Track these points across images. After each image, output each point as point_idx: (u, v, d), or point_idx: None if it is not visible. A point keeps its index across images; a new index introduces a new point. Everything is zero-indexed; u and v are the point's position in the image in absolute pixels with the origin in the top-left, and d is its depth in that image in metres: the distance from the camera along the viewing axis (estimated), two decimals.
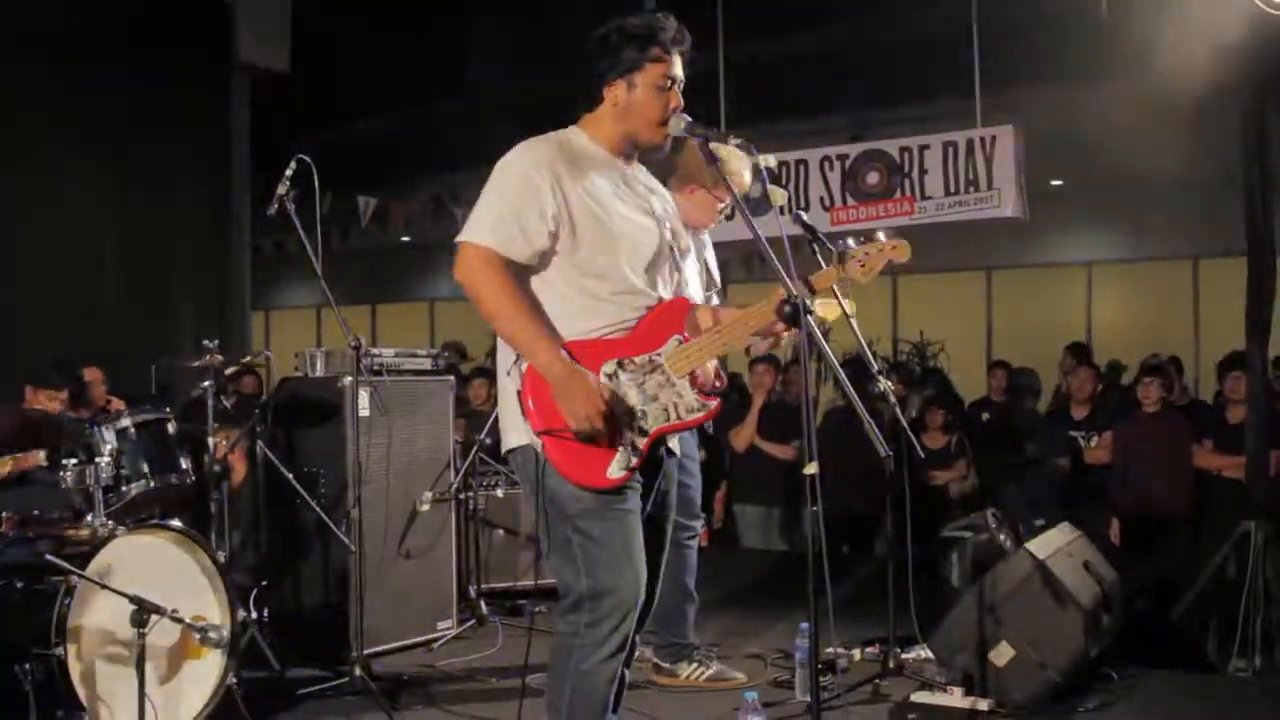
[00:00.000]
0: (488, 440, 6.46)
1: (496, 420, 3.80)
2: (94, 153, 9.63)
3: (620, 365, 3.54)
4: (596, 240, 3.55)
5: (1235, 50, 7.24)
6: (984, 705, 5.12)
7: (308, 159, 5.64)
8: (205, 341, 5.90)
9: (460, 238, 3.53)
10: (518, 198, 3.50)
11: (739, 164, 5.27)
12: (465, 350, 13.59)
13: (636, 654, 5.50)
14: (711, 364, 3.67)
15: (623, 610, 3.50)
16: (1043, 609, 5.14)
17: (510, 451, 3.66)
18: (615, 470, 3.48)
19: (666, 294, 3.71)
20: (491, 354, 3.87)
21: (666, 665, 5.69)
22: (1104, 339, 15.80)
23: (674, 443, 3.76)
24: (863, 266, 3.60)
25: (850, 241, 3.67)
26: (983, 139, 9.95)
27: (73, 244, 9.52)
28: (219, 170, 11.02)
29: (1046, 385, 11.79)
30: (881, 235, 3.65)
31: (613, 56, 3.62)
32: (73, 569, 4.37)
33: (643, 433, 3.52)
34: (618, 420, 3.48)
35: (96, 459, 4.92)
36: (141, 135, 9.94)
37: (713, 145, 3.75)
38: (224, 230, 11.05)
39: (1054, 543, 5.52)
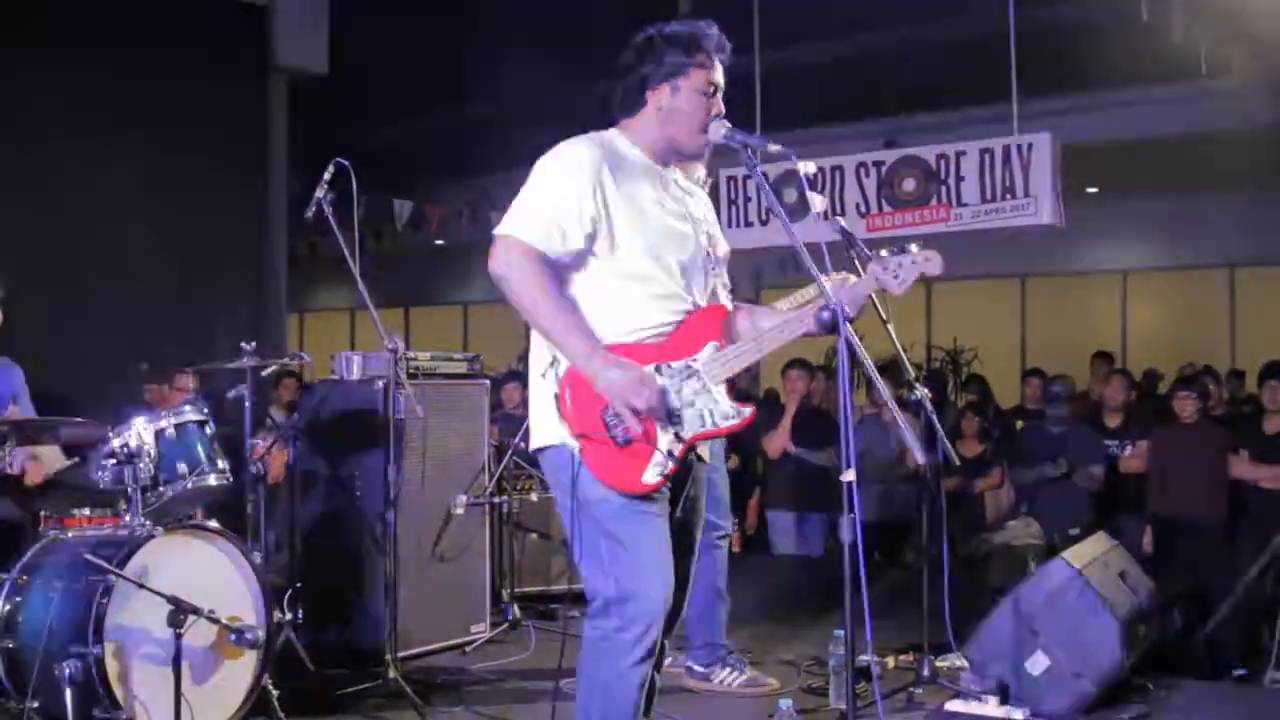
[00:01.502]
0: (521, 444, 6.47)
1: None
2: (132, 155, 9.69)
3: (657, 370, 3.53)
4: (635, 244, 3.55)
5: (1273, 54, 7.19)
6: (1019, 714, 5.09)
7: (346, 163, 5.66)
8: (242, 344, 5.93)
9: (497, 230, 3.53)
10: (557, 195, 3.50)
11: None
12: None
13: (669, 659, 5.53)
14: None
15: (650, 615, 3.48)
16: (1079, 618, 5.11)
17: (539, 450, 3.65)
18: (651, 475, 3.48)
19: (702, 299, 3.71)
20: (524, 357, 3.87)
21: (700, 669, 5.69)
22: (1139, 347, 15.73)
23: (704, 449, 3.75)
24: (897, 279, 3.58)
25: (883, 252, 3.66)
26: (1019, 146, 9.91)
27: (110, 246, 9.59)
28: (256, 172, 11.09)
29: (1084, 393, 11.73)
30: (914, 247, 3.64)
31: (657, 60, 3.63)
32: (111, 568, 4.41)
33: (679, 438, 3.52)
34: (657, 420, 3.48)
35: (135, 459, 4.94)
36: (179, 138, 10.01)
37: (708, 146, 3.74)
38: (261, 232, 11.11)
39: (1090, 552, 5.50)
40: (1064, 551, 5.43)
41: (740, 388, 3.71)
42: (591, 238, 3.52)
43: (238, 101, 10.80)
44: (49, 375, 6.69)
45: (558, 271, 3.53)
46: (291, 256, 12.98)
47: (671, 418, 3.51)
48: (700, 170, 5.28)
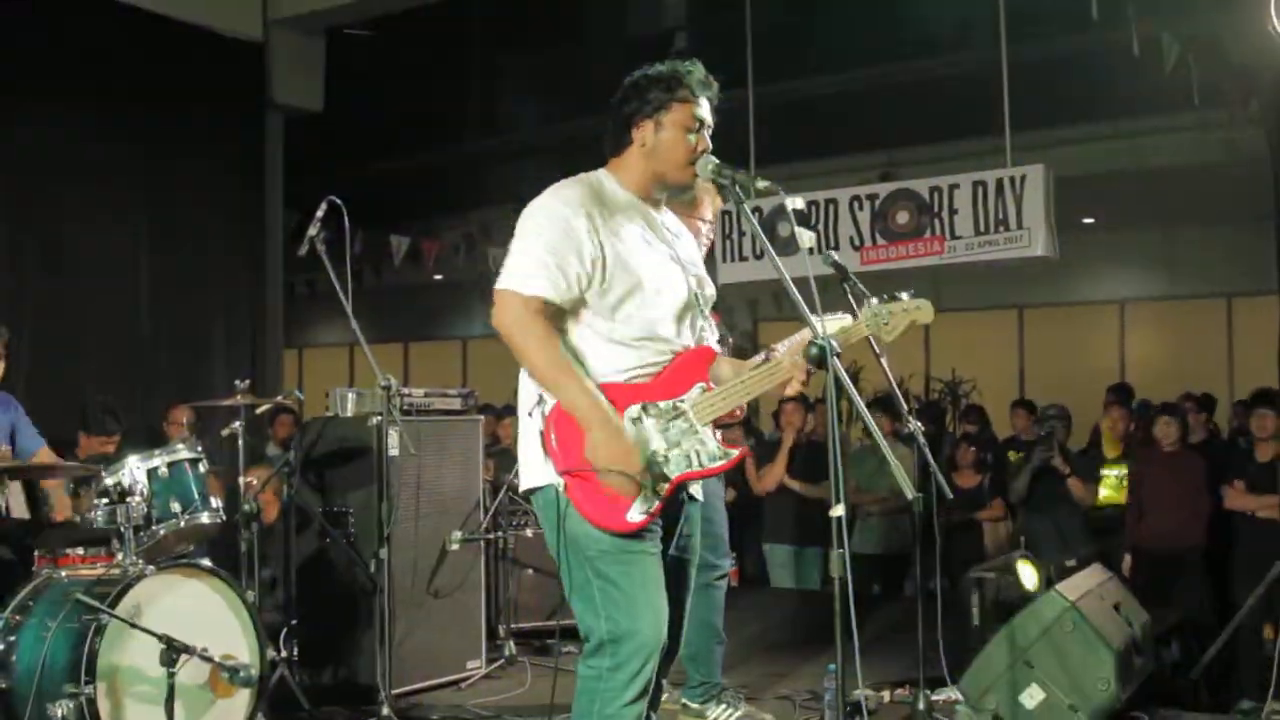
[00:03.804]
0: (516, 480, 6.47)
1: None
2: (128, 191, 9.74)
3: (644, 410, 3.54)
4: (624, 285, 3.56)
5: (1265, 85, 7.23)
6: None
7: (338, 200, 5.68)
8: (236, 381, 5.94)
9: (500, 285, 3.52)
10: (557, 242, 3.50)
11: (701, 185, 5.32)
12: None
13: (665, 695, 5.51)
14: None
15: (644, 654, 3.48)
16: (1074, 651, 5.10)
17: (530, 491, 3.66)
18: (635, 514, 3.48)
19: (690, 341, 3.72)
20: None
21: (695, 706, 5.66)
22: (1137, 378, 15.70)
23: (696, 488, 3.76)
24: (886, 325, 3.62)
25: (874, 300, 3.69)
26: (1012, 178, 9.95)
27: (107, 282, 9.62)
28: (253, 208, 11.13)
29: (1082, 424, 11.71)
30: (905, 295, 3.67)
31: (641, 98, 3.65)
32: (103, 608, 4.41)
33: (664, 479, 3.52)
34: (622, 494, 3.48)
35: (128, 498, 4.95)
36: (175, 173, 10.06)
37: (696, 182, 3.76)
38: (257, 268, 11.14)
39: (1085, 584, 5.49)
40: (1059, 584, 5.41)
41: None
42: (591, 278, 3.53)
43: (233, 138, 10.85)
44: (45, 412, 6.69)
45: (552, 314, 3.54)
46: (290, 293, 13.02)
47: (657, 458, 3.51)
48: (707, 210, 5.31)
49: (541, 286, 3.48)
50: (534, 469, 3.61)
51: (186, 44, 10.19)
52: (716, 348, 3.84)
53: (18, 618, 4.70)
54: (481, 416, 6.99)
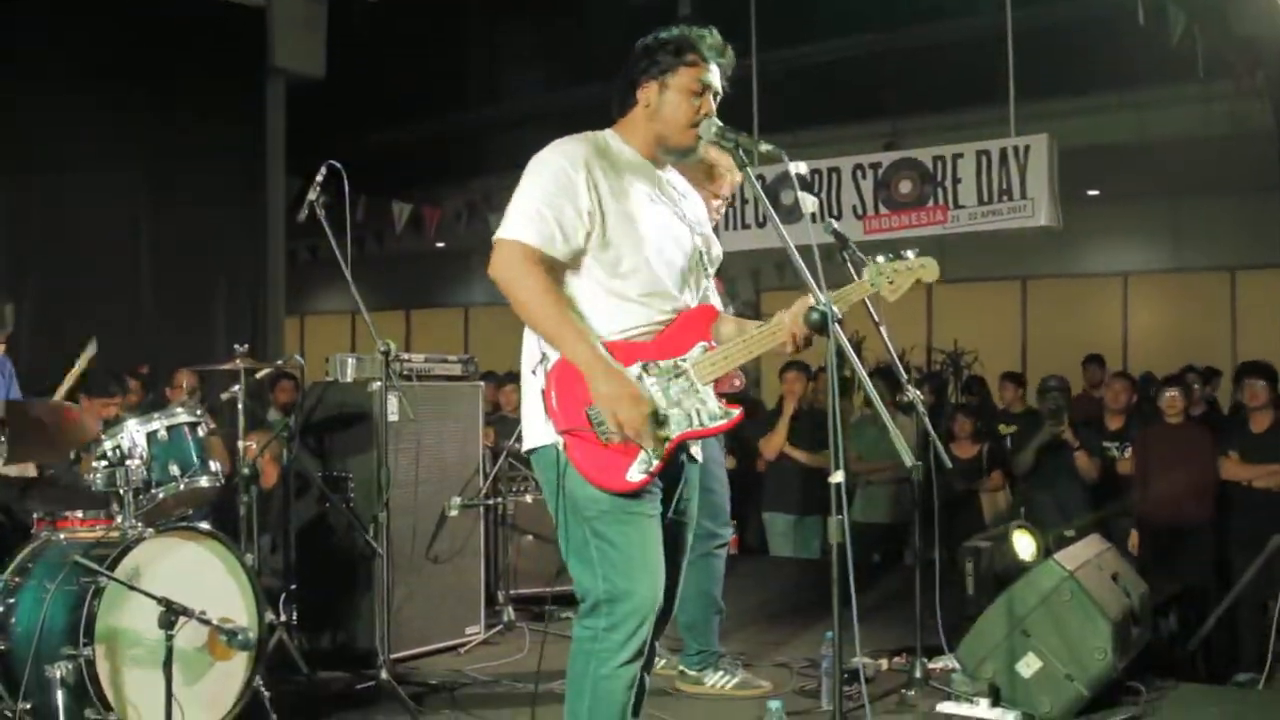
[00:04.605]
0: (517, 445, 6.46)
1: None
2: (129, 157, 9.73)
3: (645, 368, 3.54)
4: (627, 241, 3.56)
5: (1271, 57, 7.19)
6: (1010, 716, 5.08)
7: (338, 165, 5.66)
8: (236, 345, 5.93)
9: (497, 235, 3.53)
10: (554, 194, 3.50)
11: (729, 160, 5.31)
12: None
13: (663, 662, 5.53)
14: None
15: (640, 615, 3.49)
16: (1070, 621, 5.10)
17: (531, 451, 3.66)
18: (635, 474, 3.47)
19: (693, 300, 3.72)
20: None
21: (692, 673, 5.68)
22: (1140, 350, 15.72)
23: (696, 449, 3.76)
24: (891, 284, 3.60)
25: (880, 258, 3.67)
26: (1016, 148, 9.93)
27: (108, 249, 9.62)
28: (254, 175, 11.11)
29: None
30: (910, 253, 3.65)
31: (649, 59, 3.66)
32: (102, 570, 4.40)
33: (664, 438, 3.52)
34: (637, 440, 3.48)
35: (127, 461, 4.95)
36: (177, 140, 10.04)
37: (699, 145, 3.75)
38: (259, 234, 11.13)
39: (1083, 554, 5.49)
40: (1057, 554, 5.41)
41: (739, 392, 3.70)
42: (589, 235, 3.53)
43: (235, 104, 10.82)
44: (48, 377, 6.70)
45: (553, 268, 3.54)
46: (292, 259, 13.01)
47: (657, 417, 3.51)
48: (725, 187, 5.31)
49: (535, 236, 3.48)
50: (535, 429, 3.61)
51: (188, 8, 10.15)
52: (719, 306, 3.82)
53: (16, 579, 4.69)
54: (482, 383, 6.98)
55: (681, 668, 5.70)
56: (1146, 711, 5.21)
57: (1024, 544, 6.27)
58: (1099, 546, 5.73)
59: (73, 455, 5.20)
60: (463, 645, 6.49)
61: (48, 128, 9.15)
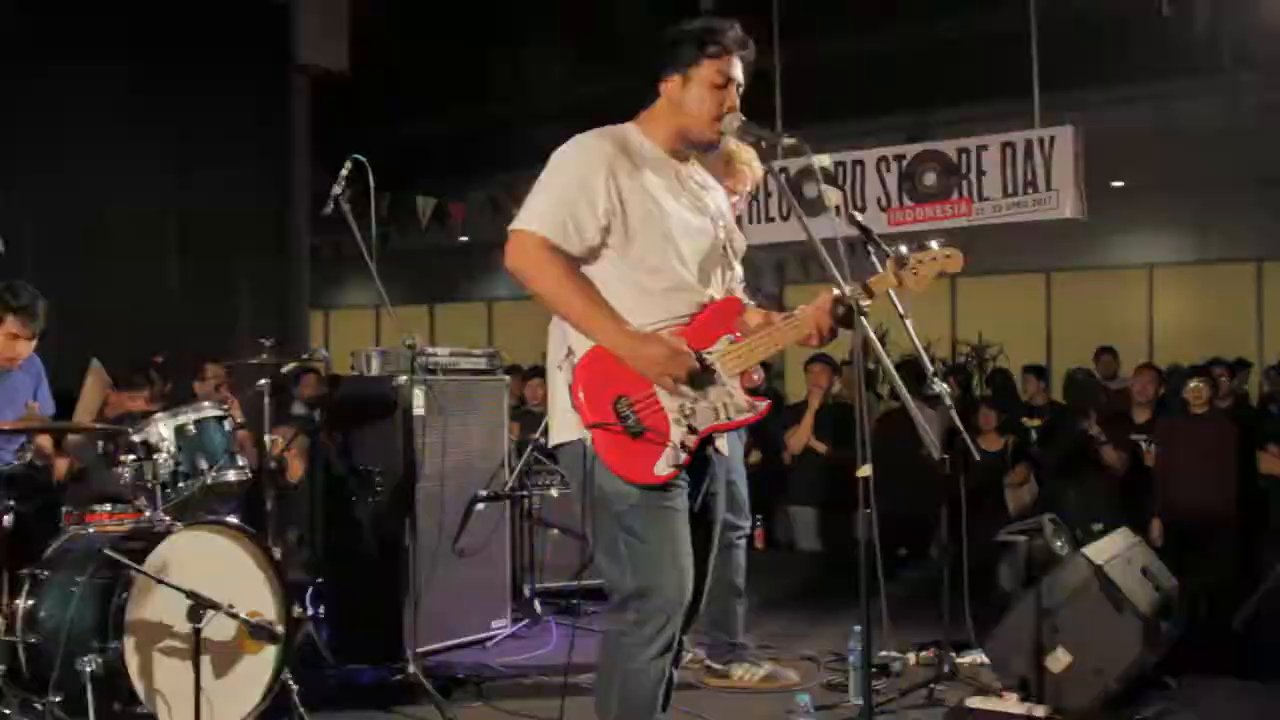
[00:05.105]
0: (542, 439, 6.47)
1: None
2: (155, 152, 9.74)
3: None
4: (649, 236, 3.55)
5: None
6: (1040, 711, 5.06)
7: (363, 159, 5.66)
8: (262, 340, 5.94)
9: (512, 226, 3.54)
10: (570, 189, 3.51)
11: (749, 154, 5.30)
12: None
13: (689, 655, 5.52)
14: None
15: (668, 609, 3.49)
16: (1100, 615, 5.08)
17: (559, 446, 3.65)
18: (662, 467, 3.47)
19: (718, 293, 3.70)
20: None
21: (718, 666, 5.68)
22: (1165, 342, 15.64)
23: (722, 443, 3.74)
24: (915, 274, 3.58)
25: (903, 248, 3.65)
26: (1041, 140, 9.88)
27: (134, 243, 9.64)
28: (279, 170, 11.12)
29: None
30: (934, 244, 3.63)
31: (671, 52, 3.65)
32: (131, 564, 4.42)
33: (692, 430, 3.51)
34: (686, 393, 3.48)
35: (155, 455, 4.96)
36: (202, 135, 10.04)
37: (722, 139, 3.74)
38: (283, 230, 11.15)
39: (1112, 548, 5.46)
40: (1085, 547, 5.38)
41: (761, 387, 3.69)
42: (606, 230, 3.53)
43: (259, 99, 10.83)
44: (72, 373, 6.72)
45: (575, 263, 3.54)
46: (316, 254, 13.03)
47: (684, 410, 3.50)
48: (746, 183, 5.31)
49: (549, 227, 3.48)
50: (563, 423, 3.60)
51: (213, 3, 10.16)
52: (745, 299, 3.81)
53: (45, 573, 4.72)
54: (508, 376, 6.98)
55: (708, 662, 5.70)
56: (1178, 706, 5.19)
57: (1054, 537, 6.22)
58: (1129, 540, 5.70)
59: (101, 449, 5.20)
60: (489, 639, 6.50)
61: (73, 124, 9.17)
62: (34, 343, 5.47)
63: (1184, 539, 7.98)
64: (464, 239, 18.24)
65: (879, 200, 10.53)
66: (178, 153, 9.97)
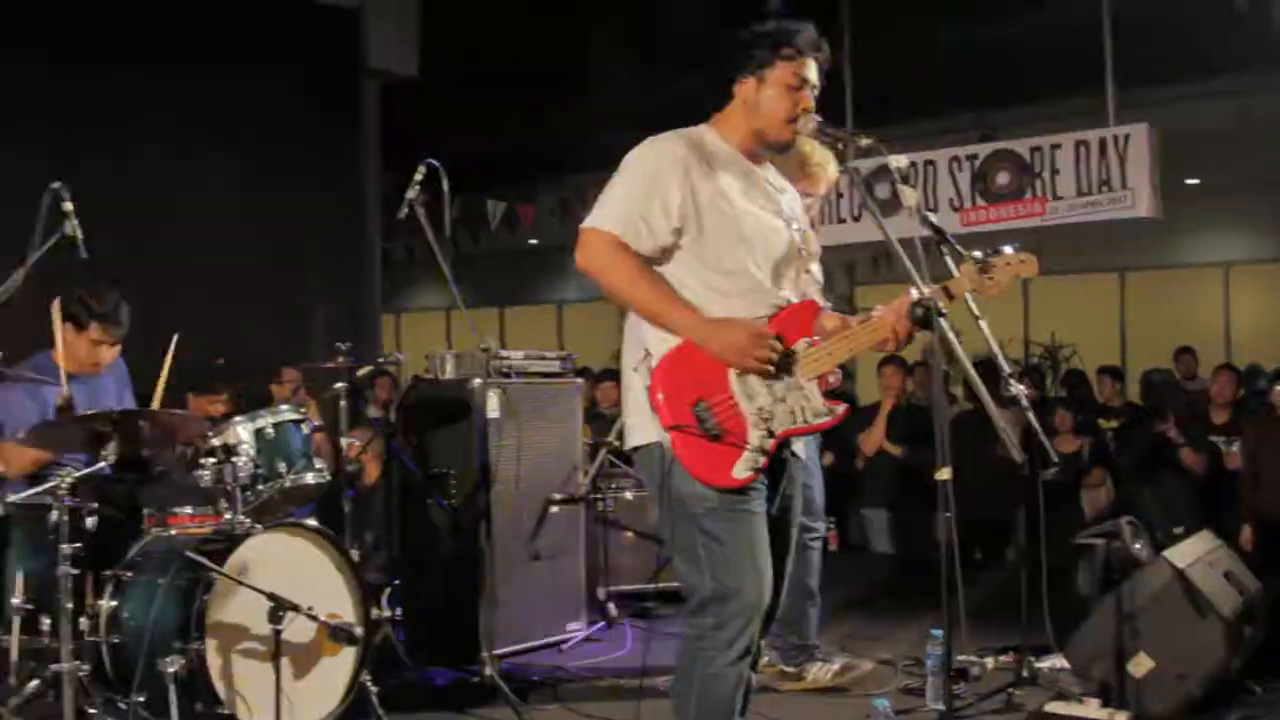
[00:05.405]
0: (616, 442, 6.47)
1: None
2: (227, 158, 9.83)
3: None
4: (724, 238, 3.55)
5: None
6: (1121, 717, 5.00)
7: (436, 164, 5.70)
8: (338, 344, 5.98)
9: (584, 224, 3.55)
10: (643, 189, 3.52)
11: (823, 156, 5.27)
12: None
13: (763, 659, 5.51)
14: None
15: (747, 613, 3.47)
16: (1182, 619, 5.01)
17: (635, 449, 3.65)
18: (741, 470, 3.46)
19: (793, 295, 3.69)
20: (619, 356, 3.87)
21: (792, 669, 5.66)
22: (1242, 341, 15.40)
23: (799, 446, 3.73)
24: (993, 280, 3.55)
25: (977, 253, 3.63)
26: (1115, 138, 9.78)
27: (205, 248, 9.72)
28: (350, 174, 11.20)
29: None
30: (1009, 249, 3.60)
31: (746, 54, 3.65)
32: (212, 565, 4.47)
33: (770, 434, 3.49)
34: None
35: (234, 458, 5.02)
36: (273, 140, 10.13)
37: (797, 140, 3.73)
38: (355, 234, 11.23)
39: (1194, 552, 5.38)
40: (1167, 550, 5.31)
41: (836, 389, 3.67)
42: (679, 231, 3.53)
43: (330, 105, 10.90)
44: (145, 377, 6.81)
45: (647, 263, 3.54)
46: (388, 258, 13.13)
47: (763, 413, 3.49)
48: (821, 185, 5.30)
49: (619, 226, 3.50)
50: (640, 426, 3.60)
51: (283, 10, 10.25)
52: (821, 301, 3.79)
53: (128, 575, 4.78)
54: (580, 380, 6.99)
55: (781, 666, 5.68)
56: (1262, 712, 5.11)
57: (1134, 541, 6.14)
58: (1211, 543, 5.61)
59: (186, 453, 5.26)
60: (564, 641, 6.51)
61: (141, 129, 9.25)
62: (118, 348, 5.54)
63: (1270, 542, 7.85)
64: (533, 241, 18.31)
65: (951, 201, 10.46)
66: (248, 157, 10.06)
